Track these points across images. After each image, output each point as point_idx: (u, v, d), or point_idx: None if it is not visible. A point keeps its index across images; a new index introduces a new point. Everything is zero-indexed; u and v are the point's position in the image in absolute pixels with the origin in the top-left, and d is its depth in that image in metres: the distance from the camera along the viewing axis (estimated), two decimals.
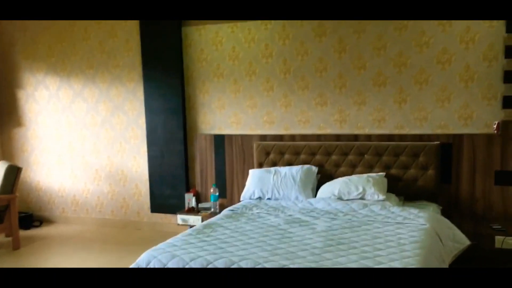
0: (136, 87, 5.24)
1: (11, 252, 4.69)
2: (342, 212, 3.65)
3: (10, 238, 4.79)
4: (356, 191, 3.93)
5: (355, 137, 4.38)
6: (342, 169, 4.34)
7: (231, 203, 4.64)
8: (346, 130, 4.47)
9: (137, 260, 2.85)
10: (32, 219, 5.68)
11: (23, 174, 5.84)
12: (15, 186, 4.79)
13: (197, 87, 5.00)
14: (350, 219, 3.49)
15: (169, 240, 3.07)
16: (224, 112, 4.92)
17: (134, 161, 5.37)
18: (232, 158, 4.86)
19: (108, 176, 5.52)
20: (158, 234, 5.06)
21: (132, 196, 5.44)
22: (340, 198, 3.95)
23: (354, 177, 4.10)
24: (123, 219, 5.52)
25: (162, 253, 2.83)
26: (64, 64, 5.57)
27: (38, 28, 5.59)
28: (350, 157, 4.31)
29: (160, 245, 2.99)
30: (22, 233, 5.31)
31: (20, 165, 5.74)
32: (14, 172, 4.80)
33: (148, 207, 5.34)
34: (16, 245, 4.75)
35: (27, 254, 4.66)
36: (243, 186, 4.51)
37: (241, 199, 4.43)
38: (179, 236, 3.18)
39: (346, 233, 3.15)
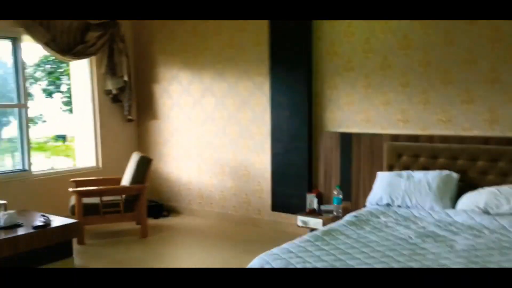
0: (263, 82, 5.12)
1: (139, 240, 4.88)
2: (489, 229, 3.07)
3: (139, 226, 5.00)
4: (508, 204, 3.29)
5: (509, 141, 3.70)
6: (490, 177, 3.70)
7: (356, 208, 4.24)
8: (497, 132, 3.80)
9: (249, 265, 2.66)
10: (162, 209, 5.91)
11: (156, 165, 6.11)
12: (146, 177, 4.98)
13: (325, 82, 4.70)
14: (498, 238, 2.90)
15: (284, 245, 2.83)
16: (352, 109, 4.55)
17: (257, 158, 5.26)
18: (359, 158, 4.46)
19: (232, 171, 5.50)
20: (277, 234, 4.88)
21: (254, 193, 5.34)
22: (486, 212, 3.33)
23: (505, 188, 3.44)
24: (244, 215, 5.45)
25: (276, 259, 2.59)
26: (196, 58, 5.68)
27: (175, 24, 5.78)
28: (501, 164, 3.65)
29: (275, 249, 2.76)
30: (152, 222, 5.53)
31: (153, 156, 6.00)
32: (145, 163, 5.00)
33: (269, 205, 5.18)
34: (144, 234, 4.94)
35: (152, 243, 4.81)
36: (370, 189, 4.08)
37: (366, 204, 4.02)
38: (296, 241, 2.92)
39: (493, 255, 2.60)
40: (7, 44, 5.07)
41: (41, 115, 24.80)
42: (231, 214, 5.56)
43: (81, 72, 5.87)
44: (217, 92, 5.54)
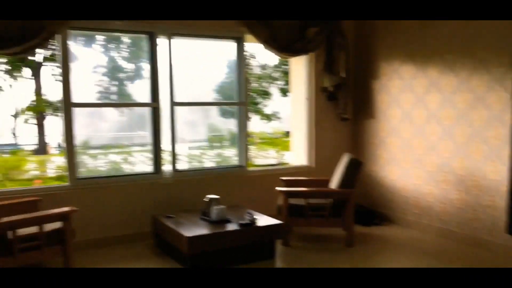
0: (504, 74, 4.13)
1: (344, 249, 4.51)
2: None
3: (346, 233, 4.63)
4: None
5: None
6: None
7: None
8: None
9: None
10: (373, 216, 5.41)
11: (369, 168, 5.64)
12: (355, 181, 4.57)
13: None
14: None
15: None
16: None
17: (491, 167, 4.29)
18: None
19: (457, 181, 4.63)
20: None
21: (485, 210, 4.38)
22: None
23: None
24: (470, 234, 4.54)
25: None
26: (422, 50, 4.97)
27: None
28: None
29: None
30: (361, 229, 5.10)
31: (367, 158, 5.55)
32: (355, 166, 4.58)
33: (504, 226, 4.17)
34: (349, 242, 4.54)
35: (358, 253, 4.38)
36: None
37: None
38: None
39: None
40: (232, 45, 5.32)
41: (277, 112, 26.64)
42: (453, 232, 4.70)
43: (299, 69, 5.79)
44: (445, 87, 4.73)
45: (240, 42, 5.25)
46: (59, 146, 16.23)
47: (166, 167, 4.94)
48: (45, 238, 3.60)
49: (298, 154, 5.87)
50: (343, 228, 4.63)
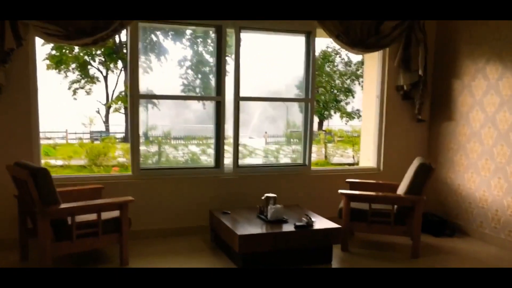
0: None
1: (407, 259, 4.17)
2: None
3: (412, 242, 4.29)
4: None
5: None
6: None
7: None
8: None
9: None
10: (444, 226, 4.97)
11: (443, 174, 5.20)
12: (423, 187, 4.21)
13: None
14: None
15: None
16: None
17: None
18: None
19: None
20: None
21: None
22: None
23: None
24: None
25: None
26: (510, 47, 4.47)
27: None
28: None
29: None
30: (430, 240, 4.72)
31: (443, 164, 5.14)
32: (425, 171, 4.21)
33: None
34: (415, 253, 4.20)
35: (422, 266, 4.03)
36: None
37: None
38: None
39: None
40: (301, 39, 5.13)
41: (357, 110, 25.88)
42: None
43: (372, 66, 5.47)
44: None
45: (309, 36, 5.04)
46: (145, 135, 17.00)
47: (229, 162, 4.89)
48: (102, 225, 3.69)
49: (366, 155, 5.56)
50: (408, 236, 4.30)
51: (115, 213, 3.82)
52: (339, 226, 4.06)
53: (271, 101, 5.68)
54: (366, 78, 5.71)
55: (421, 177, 4.21)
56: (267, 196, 4.20)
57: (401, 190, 4.40)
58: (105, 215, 3.75)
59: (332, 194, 4.68)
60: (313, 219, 4.03)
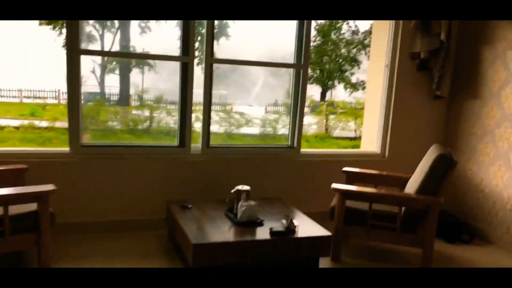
0: None
1: None
2: None
3: (421, 250, 3.31)
4: None
5: None
6: None
7: None
8: None
9: None
10: (461, 229, 3.97)
11: (462, 165, 4.17)
12: (441, 187, 3.19)
13: None
14: None
15: None
16: None
17: None
18: None
19: None
20: None
21: None
22: None
23: None
24: None
25: None
26: None
27: None
28: None
29: None
30: (442, 246, 3.74)
31: (462, 152, 4.10)
32: (445, 166, 3.17)
33: None
34: (426, 262, 3.21)
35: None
36: None
37: None
38: None
39: None
40: None
41: (362, 81, 24.57)
42: None
43: (382, 28, 4.35)
44: None
45: None
46: (138, 98, 15.89)
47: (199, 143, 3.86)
48: (12, 223, 2.71)
49: (369, 138, 4.51)
50: (418, 247, 3.30)
51: (32, 206, 2.84)
52: (329, 234, 3.05)
53: (254, 65, 4.60)
54: (374, 42, 4.60)
55: (438, 173, 3.18)
56: (238, 190, 3.19)
57: (411, 187, 3.37)
58: (17, 209, 2.77)
59: (324, 185, 3.67)
60: (295, 222, 3.04)
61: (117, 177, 3.59)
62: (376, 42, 4.48)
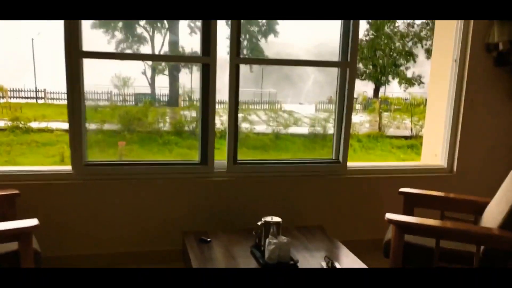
0: None
1: None
2: None
3: None
4: None
5: None
6: None
7: None
8: None
9: None
10: None
11: None
12: None
13: None
14: None
15: None
16: None
17: None
18: None
19: None
20: None
21: None
22: None
23: None
24: None
25: None
26: None
27: None
28: None
29: None
30: None
31: None
32: None
33: None
34: None
35: None
36: None
37: None
38: None
39: None
40: None
41: (418, 76, 23.16)
42: None
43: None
44: None
45: None
46: (189, 98, 15.52)
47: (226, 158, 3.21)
48: None
49: (431, 148, 3.68)
50: None
51: (13, 246, 2.31)
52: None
53: (288, 65, 3.92)
54: (438, 32, 3.76)
55: None
56: (265, 222, 2.52)
57: (493, 217, 2.56)
58: None
59: (377, 207, 2.94)
60: (337, 265, 2.33)
61: (126, 201, 3.02)
62: (440, 32, 3.65)
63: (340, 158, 3.33)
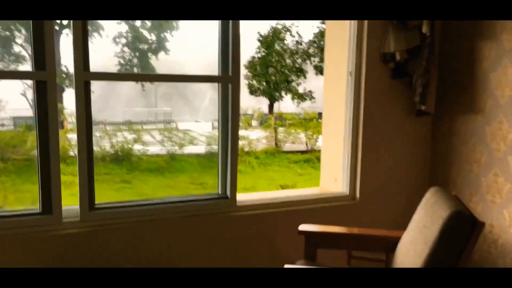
0: None
1: None
2: None
3: None
4: None
5: None
6: None
7: None
8: None
9: None
10: None
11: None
12: (459, 263, 1.93)
13: None
14: None
15: None
16: None
17: None
18: None
19: None
20: None
21: None
22: None
23: None
24: None
25: None
26: None
27: None
28: None
29: None
30: None
31: (460, 186, 2.91)
32: (463, 232, 1.93)
33: None
34: None
35: None
36: None
37: None
38: None
39: None
40: None
41: (310, 92, 23.75)
42: None
43: (340, 26, 3.09)
44: None
45: None
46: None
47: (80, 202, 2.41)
48: None
49: (331, 172, 3.22)
50: None
51: None
52: None
53: (157, 81, 3.24)
54: (329, 44, 3.33)
55: (455, 243, 1.93)
56: None
57: (408, 258, 2.09)
58: None
59: (275, 249, 2.35)
60: None
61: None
62: (333, 44, 3.23)
63: (228, 192, 2.70)
